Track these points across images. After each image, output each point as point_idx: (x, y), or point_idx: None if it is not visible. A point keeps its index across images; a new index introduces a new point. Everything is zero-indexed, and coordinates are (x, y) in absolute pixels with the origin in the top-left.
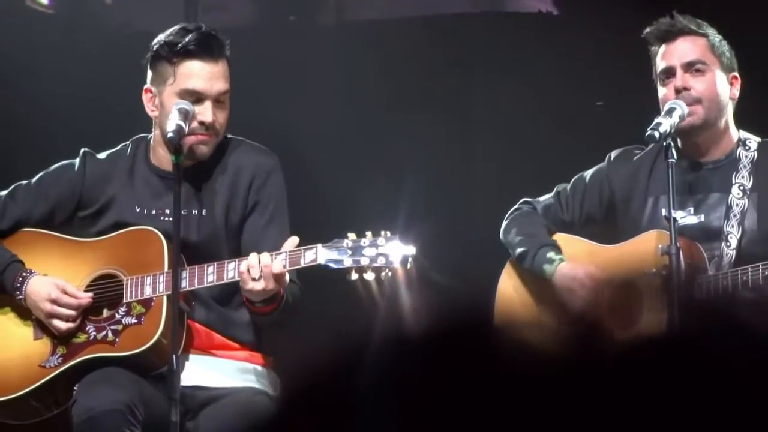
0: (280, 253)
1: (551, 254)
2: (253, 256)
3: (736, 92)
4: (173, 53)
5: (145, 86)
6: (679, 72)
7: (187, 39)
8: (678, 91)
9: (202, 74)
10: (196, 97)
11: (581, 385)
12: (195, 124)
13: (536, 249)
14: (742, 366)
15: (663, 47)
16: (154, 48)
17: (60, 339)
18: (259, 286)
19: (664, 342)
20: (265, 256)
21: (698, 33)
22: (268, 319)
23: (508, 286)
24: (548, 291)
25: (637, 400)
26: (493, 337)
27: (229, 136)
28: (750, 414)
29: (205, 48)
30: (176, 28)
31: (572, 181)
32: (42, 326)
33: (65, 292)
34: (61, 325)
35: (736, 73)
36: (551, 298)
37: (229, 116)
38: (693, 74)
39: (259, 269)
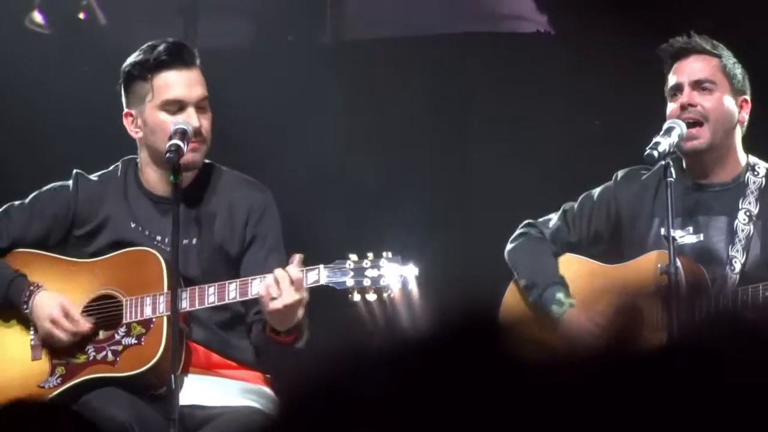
0: (313, 269)
1: (560, 295)
2: (268, 277)
3: (745, 116)
4: (146, 69)
5: (124, 111)
6: (687, 89)
7: (156, 52)
8: (684, 108)
9: (179, 82)
10: (178, 106)
11: (580, 393)
12: None
13: (544, 286)
14: (744, 377)
15: (675, 64)
16: (126, 70)
17: (59, 358)
18: (280, 303)
19: (667, 354)
20: (279, 271)
21: (712, 53)
22: (290, 349)
23: (513, 303)
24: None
25: (635, 412)
26: (496, 343)
27: (216, 164)
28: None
29: (177, 57)
30: (143, 47)
31: (580, 199)
32: (40, 346)
33: (67, 316)
34: (55, 346)
35: (747, 97)
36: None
37: (212, 122)
38: (700, 92)
39: (277, 288)
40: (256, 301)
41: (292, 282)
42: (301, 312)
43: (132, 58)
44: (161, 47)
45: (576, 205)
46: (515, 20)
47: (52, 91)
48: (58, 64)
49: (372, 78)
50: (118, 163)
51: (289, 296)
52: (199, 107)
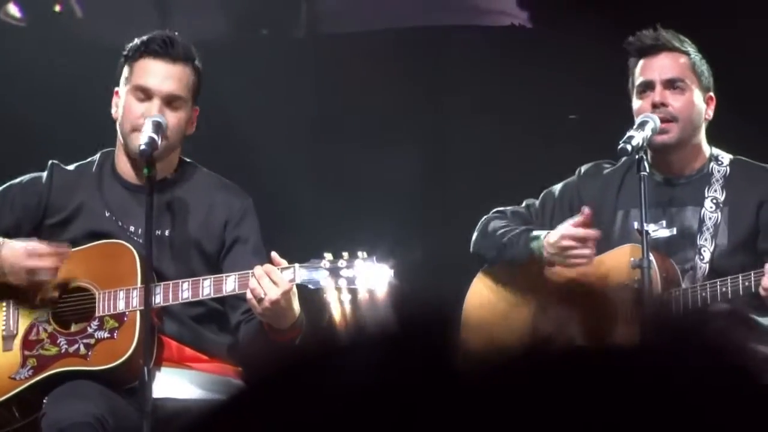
0: (288, 268)
1: (535, 233)
2: (252, 281)
3: (711, 112)
4: (135, 52)
5: (115, 89)
6: (659, 87)
7: (149, 39)
8: (655, 106)
9: (155, 72)
10: (146, 94)
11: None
12: (141, 120)
13: (519, 234)
14: (710, 385)
15: (643, 60)
16: (123, 53)
17: (31, 350)
18: (267, 302)
19: (629, 355)
20: (258, 269)
21: (680, 50)
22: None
23: (475, 303)
24: (518, 305)
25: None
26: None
27: (195, 163)
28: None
29: (165, 48)
30: (147, 36)
31: (541, 196)
32: (12, 337)
33: (39, 246)
34: (46, 275)
35: (712, 94)
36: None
37: (183, 126)
38: (672, 91)
39: (260, 288)
40: (241, 301)
41: (271, 278)
42: (296, 305)
43: (133, 42)
44: (157, 36)
45: (537, 201)
46: (491, 14)
47: (27, 84)
48: (34, 57)
49: (347, 72)
50: (95, 156)
51: (273, 293)
52: (169, 104)
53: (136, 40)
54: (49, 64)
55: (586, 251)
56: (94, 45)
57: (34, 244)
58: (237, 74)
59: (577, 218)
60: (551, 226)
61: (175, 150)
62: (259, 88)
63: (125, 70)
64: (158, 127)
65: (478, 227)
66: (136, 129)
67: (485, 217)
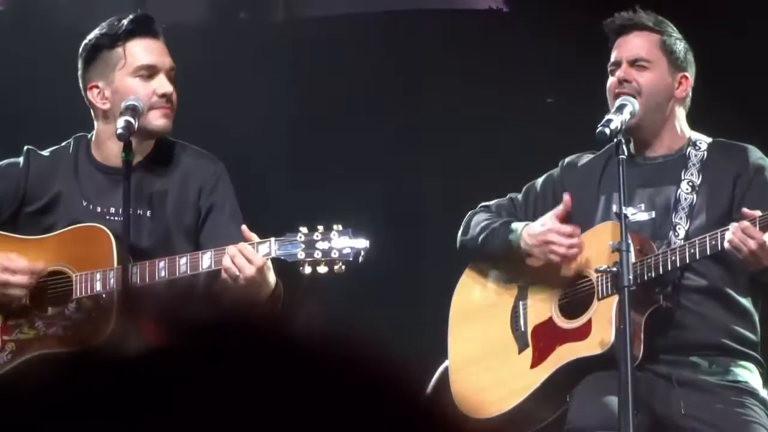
0: (264, 242)
1: (513, 225)
2: (225, 259)
3: (683, 93)
4: (118, 38)
5: (89, 85)
6: (624, 65)
7: (126, 22)
8: (620, 82)
9: (152, 49)
10: (151, 72)
11: None
12: (155, 98)
13: (498, 226)
14: None
15: (618, 39)
16: (92, 43)
17: (9, 334)
18: (243, 279)
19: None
20: (231, 249)
21: (653, 29)
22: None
23: (460, 300)
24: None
25: None
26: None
27: (171, 139)
28: None
29: (147, 27)
30: (105, 23)
31: (523, 189)
32: None
33: (13, 260)
34: (17, 291)
35: (687, 74)
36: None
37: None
38: (637, 69)
39: (234, 266)
40: (217, 275)
41: (245, 255)
42: (272, 278)
43: (97, 32)
44: (130, 18)
45: (520, 195)
46: None
47: (3, 67)
48: (9, 41)
49: (324, 56)
50: (69, 140)
51: (248, 271)
52: (169, 77)
53: (101, 30)
54: (26, 47)
55: (574, 251)
56: (73, 29)
57: (10, 259)
58: (213, 56)
59: (560, 208)
60: (534, 219)
61: None
62: (237, 70)
63: (113, 56)
64: (134, 111)
65: (463, 223)
66: (154, 107)
67: (470, 212)
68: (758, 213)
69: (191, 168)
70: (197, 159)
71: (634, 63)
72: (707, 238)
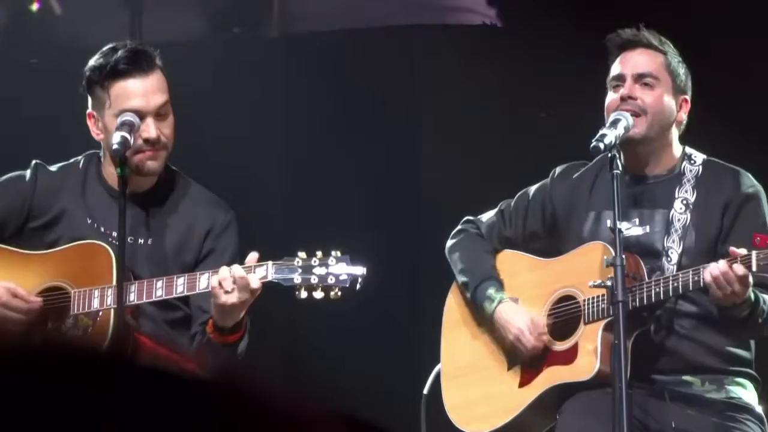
0: (261, 265)
1: (491, 291)
2: (224, 269)
3: (684, 116)
4: (104, 76)
5: (88, 111)
6: (629, 81)
7: (114, 59)
8: (623, 99)
9: (137, 92)
10: (137, 116)
11: None
12: (140, 141)
13: (477, 283)
14: None
15: (621, 55)
16: (87, 74)
17: None
18: (234, 297)
19: None
20: (238, 269)
21: (658, 49)
22: (230, 350)
23: (454, 303)
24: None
25: None
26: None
27: (184, 175)
28: None
29: (134, 64)
30: (105, 49)
31: (516, 197)
32: None
33: (15, 296)
34: (11, 326)
35: (687, 97)
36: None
37: (175, 124)
38: (642, 86)
39: (231, 281)
40: (202, 312)
41: (244, 280)
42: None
43: (93, 61)
44: (119, 53)
45: (512, 203)
46: (462, 12)
47: (2, 81)
48: (6, 56)
49: (318, 71)
50: (80, 157)
51: (243, 294)
52: (159, 114)
53: (96, 60)
54: (24, 61)
55: (539, 345)
56: (65, 45)
57: (8, 297)
58: (208, 73)
59: (542, 332)
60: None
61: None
62: (231, 86)
63: (99, 95)
64: (130, 127)
65: (451, 236)
66: (140, 151)
67: (458, 229)
68: (743, 251)
69: (202, 215)
70: (209, 208)
71: (639, 79)
72: (690, 273)
